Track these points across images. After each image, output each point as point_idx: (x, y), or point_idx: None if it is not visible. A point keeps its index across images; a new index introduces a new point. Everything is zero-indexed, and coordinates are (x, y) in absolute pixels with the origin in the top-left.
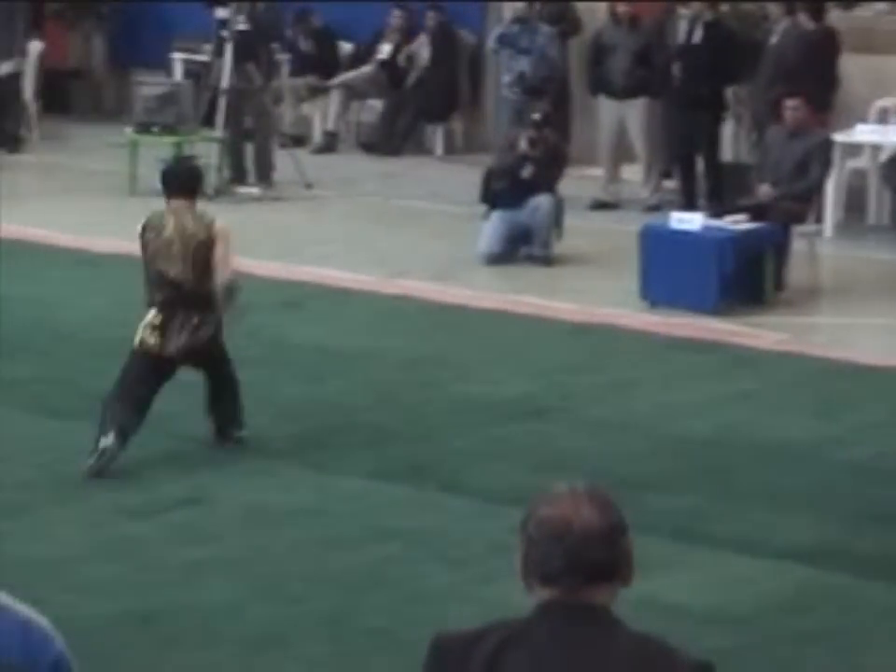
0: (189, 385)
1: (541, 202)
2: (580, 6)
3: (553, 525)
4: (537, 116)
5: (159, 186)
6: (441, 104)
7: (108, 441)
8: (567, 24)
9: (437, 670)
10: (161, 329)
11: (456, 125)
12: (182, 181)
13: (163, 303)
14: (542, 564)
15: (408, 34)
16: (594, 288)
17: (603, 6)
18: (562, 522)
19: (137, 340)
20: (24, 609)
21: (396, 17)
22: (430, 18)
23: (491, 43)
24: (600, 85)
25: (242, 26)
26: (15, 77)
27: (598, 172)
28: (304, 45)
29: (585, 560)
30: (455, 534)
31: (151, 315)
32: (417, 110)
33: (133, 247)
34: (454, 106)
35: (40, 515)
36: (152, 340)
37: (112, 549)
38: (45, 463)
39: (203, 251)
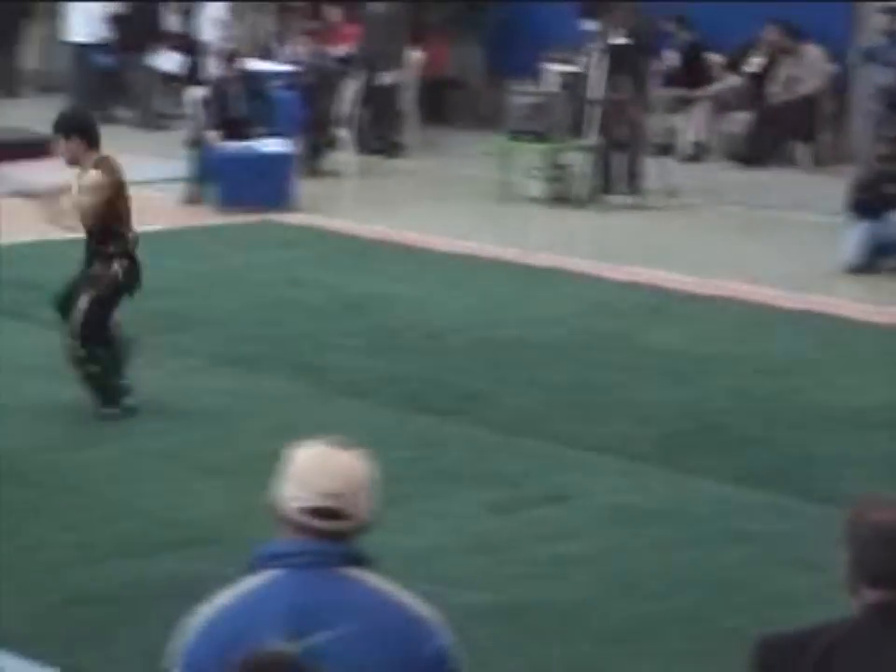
0: (544, 385)
1: None
2: None
3: (887, 529)
4: (891, 133)
5: (529, 193)
6: (800, 122)
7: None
8: None
9: (764, 671)
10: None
11: (823, 136)
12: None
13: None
14: (875, 566)
15: (780, 49)
16: None
17: None
18: None
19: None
20: (412, 603)
21: (770, 31)
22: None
23: (854, 57)
24: None
25: (619, 39)
26: (396, 87)
27: None
28: (673, 57)
29: None
30: (813, 539)
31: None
32: (781, 127)
33: (499, 252)
34: (811, 125)
35: (406, 508)
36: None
37: (477, 542)
38: (410, 458)
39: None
